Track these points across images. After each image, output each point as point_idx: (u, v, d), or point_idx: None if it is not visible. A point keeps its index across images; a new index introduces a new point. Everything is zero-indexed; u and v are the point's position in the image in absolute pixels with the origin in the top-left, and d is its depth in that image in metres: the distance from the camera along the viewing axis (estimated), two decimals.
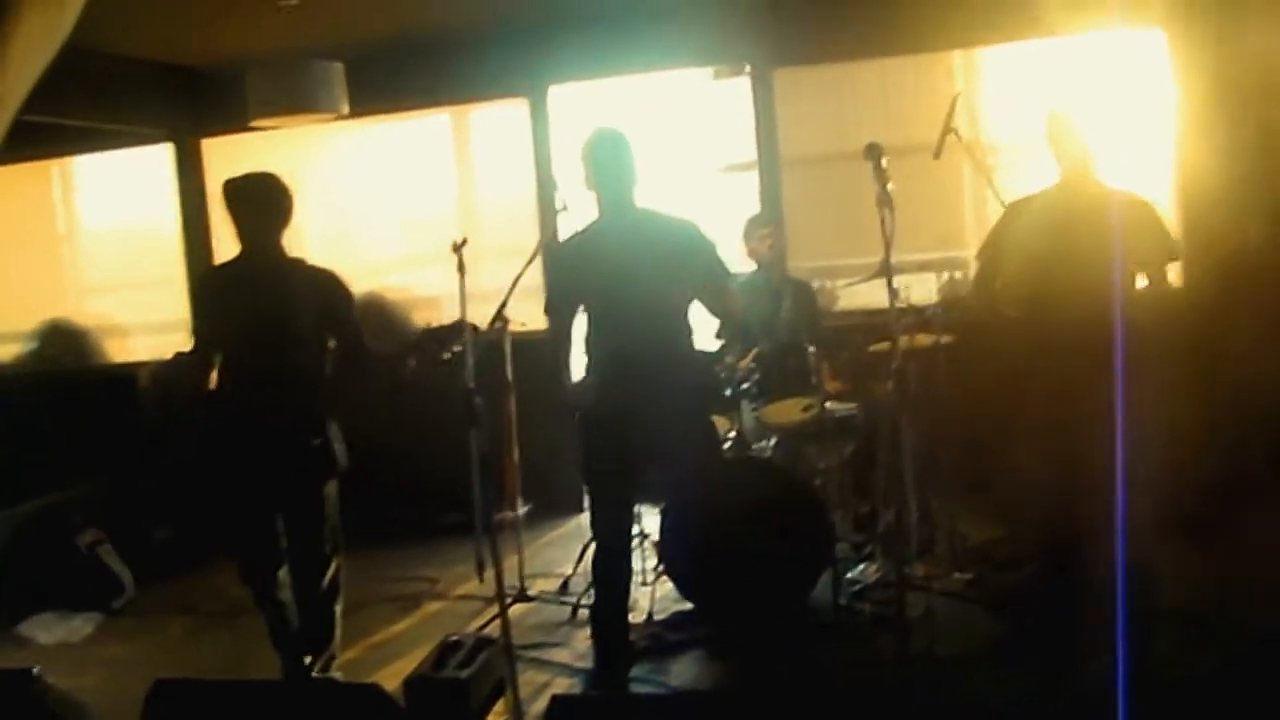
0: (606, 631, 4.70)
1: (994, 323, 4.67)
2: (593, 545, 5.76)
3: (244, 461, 4.50)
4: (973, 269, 7.15)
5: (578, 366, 4.74)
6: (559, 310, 4.69)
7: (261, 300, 4.47)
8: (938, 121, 5.83)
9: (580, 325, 4.68)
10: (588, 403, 4.61)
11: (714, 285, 4.60)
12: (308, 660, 4.61)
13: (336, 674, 4.75)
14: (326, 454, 4.52)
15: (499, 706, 4.37)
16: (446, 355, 4.30)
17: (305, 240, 7.85)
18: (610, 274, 4.45)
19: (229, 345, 4.56)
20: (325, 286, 4.55)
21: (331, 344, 4.54)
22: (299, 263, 4.61)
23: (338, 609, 4.70)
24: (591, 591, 5.40)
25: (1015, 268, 4.52)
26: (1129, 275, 4.34)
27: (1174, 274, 4.48)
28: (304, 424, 4.46)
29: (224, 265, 4.73)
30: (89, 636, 5.96)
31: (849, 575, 5.41)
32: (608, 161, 4.51)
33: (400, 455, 7.03)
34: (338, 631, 4.73)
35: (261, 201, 4.56)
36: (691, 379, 4.74)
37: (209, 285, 4.77)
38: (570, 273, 4.63)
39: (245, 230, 4.55)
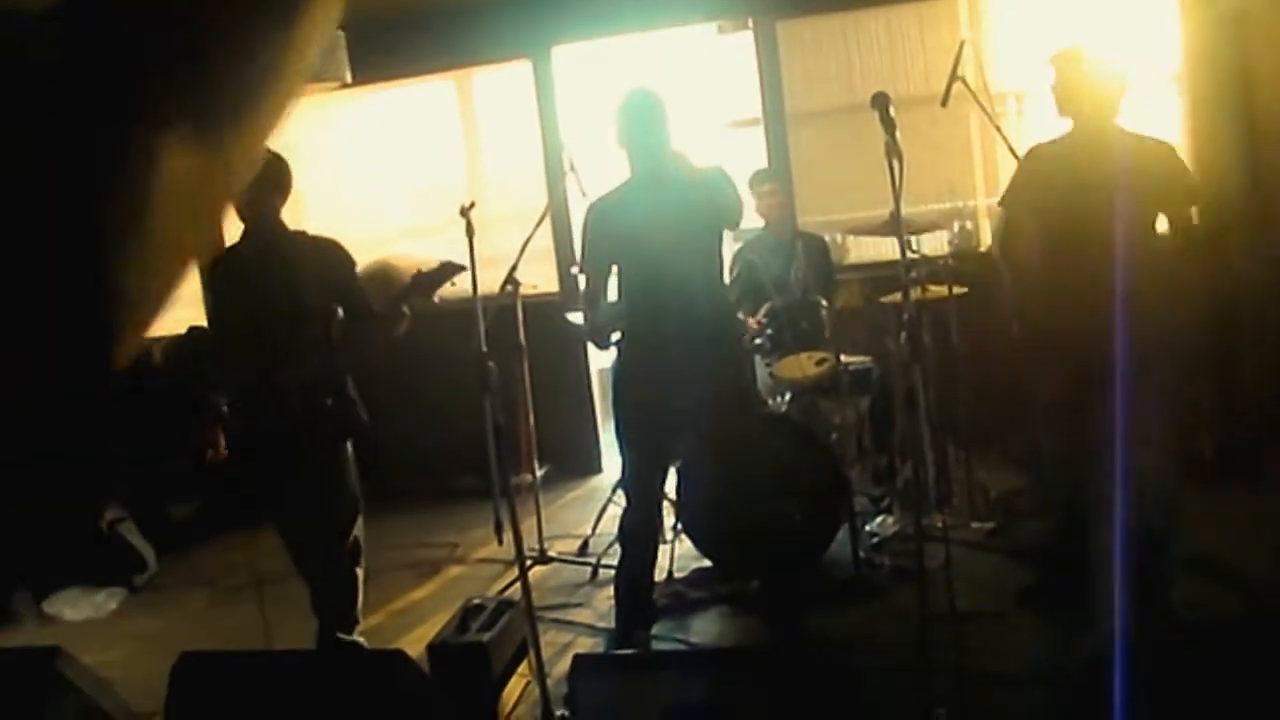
0: (631, 591, 4.69)
1: (1015, 279, 4.64)
2: (610, 506, 5.83)
3: (263, 435, 4.58)
4: (986, 218, 7.18)
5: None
6: (593, 267, 4.64)
7: (268, 275, 4.51)
8: (944, 70, 5.78)
9: (613, 283, 4.67)
10: (600, 342, 4.69)
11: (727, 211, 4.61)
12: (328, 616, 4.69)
13: (360, 639, 4.77)
14: (340, 414, 4.58)
15: (522, 668, 4.38)
16: (437, 298, 4.42)
17: (310, 210, 7.87)
18: (643, 231, 4.44)
19: (240, 322, 4.59)
20: (328, 255, 4.62)
21: (339, 311, 4.59)
22: (301, 235, 4.68)
23: (359, 571, 4.74)
24: (613, 550, 5.45)
25: (1035, 219, 4.50)
26: (1151, 219, 4.30)
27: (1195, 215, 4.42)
28: (316, 387, 4.51)
29: (232, 248, 4.73)
30: (114, 612, 6.01)
31: (867, 528, 5.41)
32: (638, 120, 4.49)
33: (416, 421, 7.06)
34: (360, 594, 4.77)
35: (261, 175, 4.51)
36: (728, 335, 4.77)
37: (218, 270, 4.77)
38: (603, 231, 4.57)
39: (244, 207, 4.55)
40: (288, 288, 4.49)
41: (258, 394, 4.56)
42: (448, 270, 4.41)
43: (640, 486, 4.70)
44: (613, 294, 4.70)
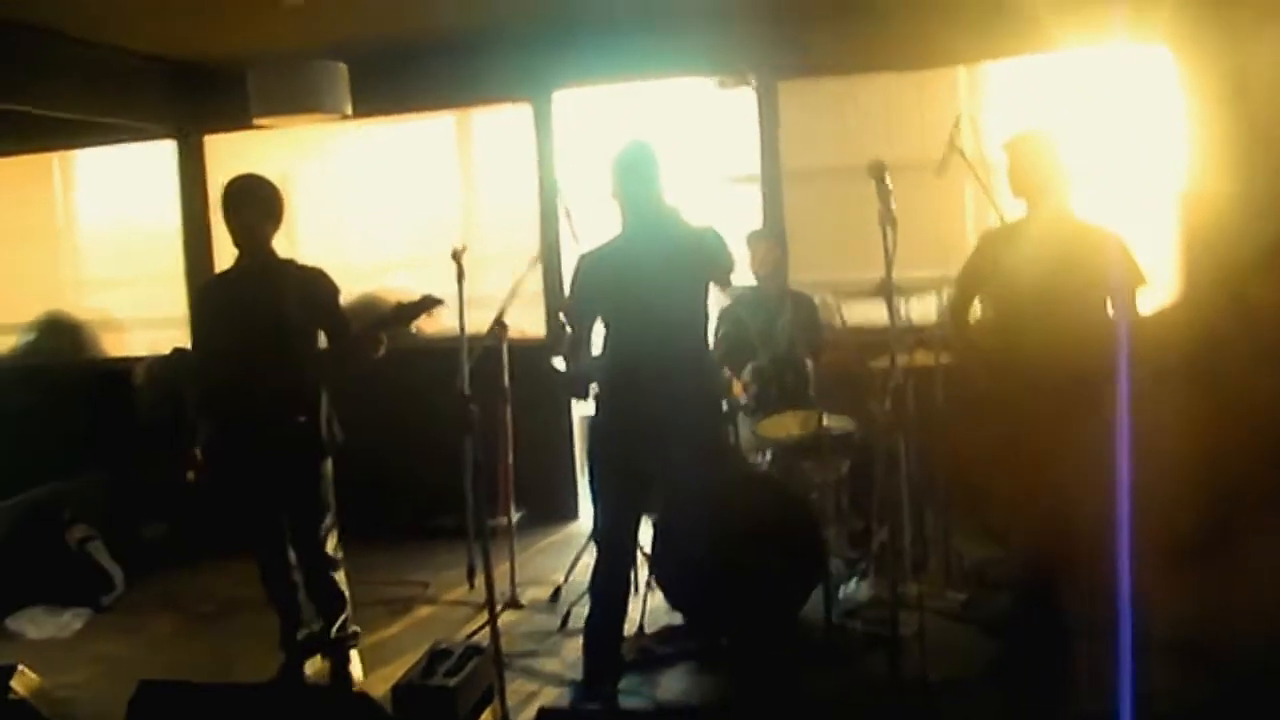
0: (598, 645, 4.66)
1: (961, 354, 4.72)
2: (585, 555, 5.80)
3: (240, 450, 4.78)
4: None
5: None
6: (579, 317, 4.66)
7: (254, 299, 4.72)
8: (941, 137, 5.83)
9: (597, 334, 4.68)
10: (583, 393, 4.65)
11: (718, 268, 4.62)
12: (323, 626, 5.00)
13: (356, 638, 5.08)
14: (315, 430, 4.79)
15: (486, 715, 4.35)
16: (414, 329, 4.70)
17: (305, 239, 7.87)
18: (629, 286, 4.44)
19: (225, 342, 4.76)
20: (313, 284, 4.83)
21: (320, 335, 4.81)
22: (290, 262, 4.91)
23: (340, 576, 4.99)
24: (585, 600, 5.43)
25: (989, 300, 4.61)
26: (1098, 303, 4.36)
27: (1142, 300, 4.47)
28: (291, 406, 4.71)
29: (222, 274, 5.01)
30: (78, 632, 5.93)
31: (842, 592, 5.38)
32: (631, 172, 4.50)
33: (394, 458, 7.02)
34: (348, 594, 5.03)
35: (255, 204, 4.79)
36: (708, 392, 4.76)
37: (206, 294, 5.10)
38: (592, 282, 4.60)
39: (239, 234, 4.78)
40: (273, 311, 4.68)
41: (237, 412, 4.73)
42: (427, 303, 4.53)
43: (611, 540, 4.68)
44: (597, 347, 4.69)
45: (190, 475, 4.81)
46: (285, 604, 5.02)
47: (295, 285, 4.80)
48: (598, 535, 4.78)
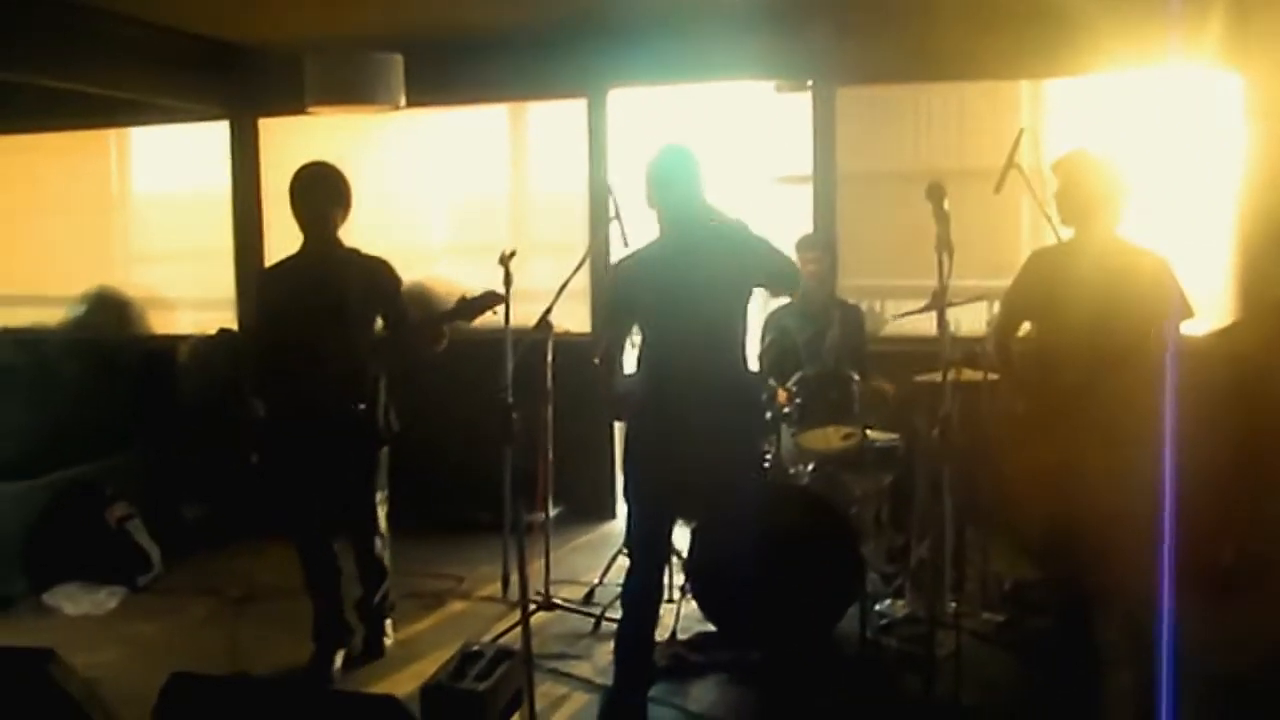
0: (630, 652, 4.60)
1: (1006, 374, 4.65)
2: (620, 557, 5.78)
3: (298, 435, 4.87)
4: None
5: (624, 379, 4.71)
6: (613, 325, 4.66)
7: (317, 287, 4.83)
8: (1000, 149, 5.76)
9: (631, 343, 4.64)
10: (625, 414, 4.61)
11: (776, 276, 4.57)
12: (364, 597, 5.20)
13: (392, 610, 5.29)
14: (371, 419, 4.92)
15: (516, 718, 4.33)
16: (474, 323, 4.73)
17: (356, 225, 7.87)
18: (665, 295, 4.40)
19: (285, 327, 4.88)
20: (377, 272, 4.97)
21: (380, 324, 4.97)
22: (354, 251, 5.00)
23: (385, 554, 5.20)
24: (618, 604, 5.42)
25: (1032, 320, 4.60)
26: (1144, 330, 4.28)
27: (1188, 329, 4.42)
28: (351, 393, 4.83)
29: (288, 259, 5.09)
30: (112, 611, 5.96)
31: (877, 608, 5.33)
32: (670, 180, 4.45)
33: (436, 450, 7.01)
34: (389, 570, 5.24)
35: (326, 191, 4.92)
36: (744, 402, 4.69)
37: (271, 277, 5.18)
38: (626, 292, 4.57)
39: (306, 220, 4.92)
40: (335, 297, 4.80)
41: (298, 397, 4.84)
42: (490, 299, 4.63)
43: (645, 548, 4.65)
44: (629, 364, 4.65)
45: (254, 457, 4.91)
46: (326, 593, 5.08)
47: (359, 274, 4.90)
48: (631, 542, 4.75)
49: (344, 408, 4.83)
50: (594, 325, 7.31)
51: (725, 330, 4.48)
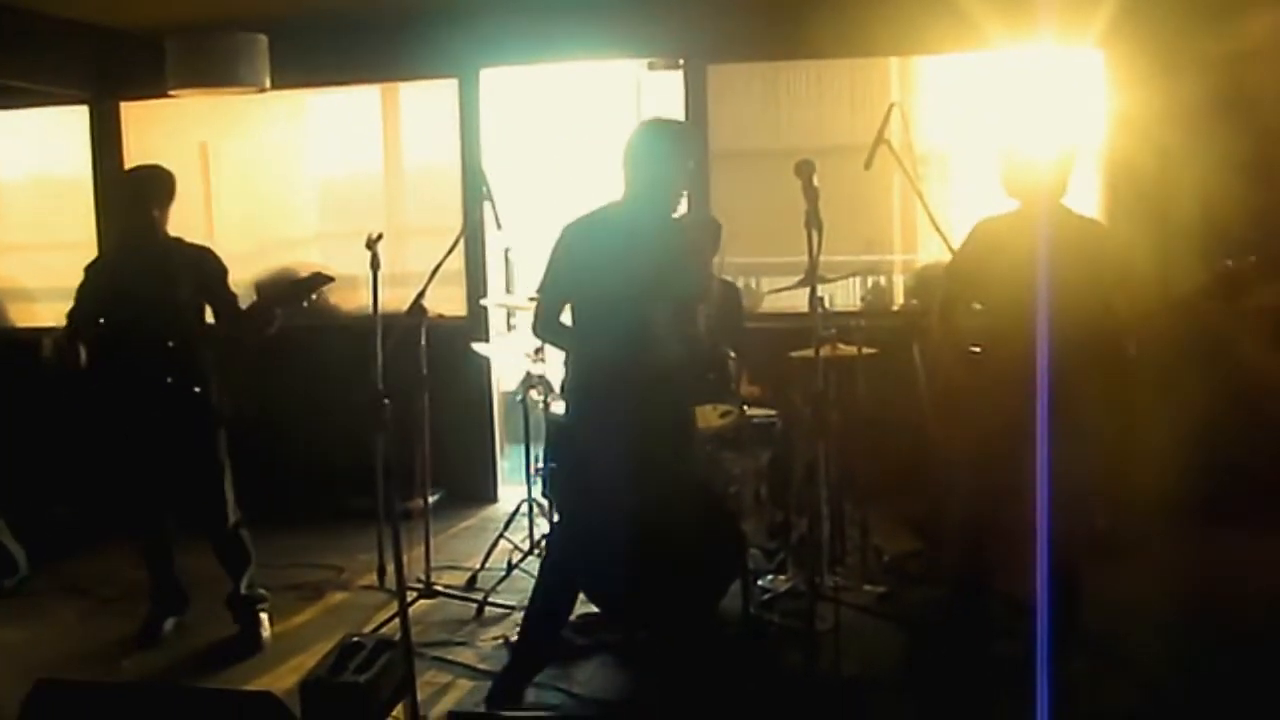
0: (535, 645, 4.55)
1: (951, 346, 4.63)
2: (501, 540, 5.77)
3: (130, 420, 5.01)
4: (900, 275, 7.22)
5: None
6: (547, 294, 4.34)
7: (138, 276, 4.94)
8: (871, 125, 5.82)
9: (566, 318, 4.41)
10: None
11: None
12: (233, 589, 5.22)
13: (264, 601, 5.28)
14: (207, 400, 5.03)
15: (398, 711, 4.27)
16: (305, 304, 4.86)
17: (222, 211, 7.69)
18: (607, 265, 4.18)
19: (110, 317, 5.01)
20: (200, 260, 5.08)
21: (208, 310, 5.11)
22: (177, 241, 5.12)
23: (244, 533, 5.23)
24: (501, 587, 5.56)
25: (978, 292, 4.52)
26: (1097, 299, 4.29)
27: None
28: (181, 375, 4.94)
29: (110, 251, 5.40)
30: None
31: (760, 584, 5.37)
32: (644, 148, 4.25)
33: (308, 436, 6.92)
34: (253, 553, 5.25)
35: (154, 196, 5.03)
36: (682, 397, 4.60)
37: (90, 274, 5.21)
38: (568, 255, 4.27)
39: (125, 223, 5.18)
40: (158, 284, 4.91)
41: (127, 374, 4.94)
42: (316, 281, 4.80)
43: (566, 544, 4.63)
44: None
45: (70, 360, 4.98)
46: (160, 559, 5.27)
47: (182, 261, 5.03)
48: (554, 539, 4.72)
49: (177, 388, 4.93)
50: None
51: (667, 313, 4.28)
